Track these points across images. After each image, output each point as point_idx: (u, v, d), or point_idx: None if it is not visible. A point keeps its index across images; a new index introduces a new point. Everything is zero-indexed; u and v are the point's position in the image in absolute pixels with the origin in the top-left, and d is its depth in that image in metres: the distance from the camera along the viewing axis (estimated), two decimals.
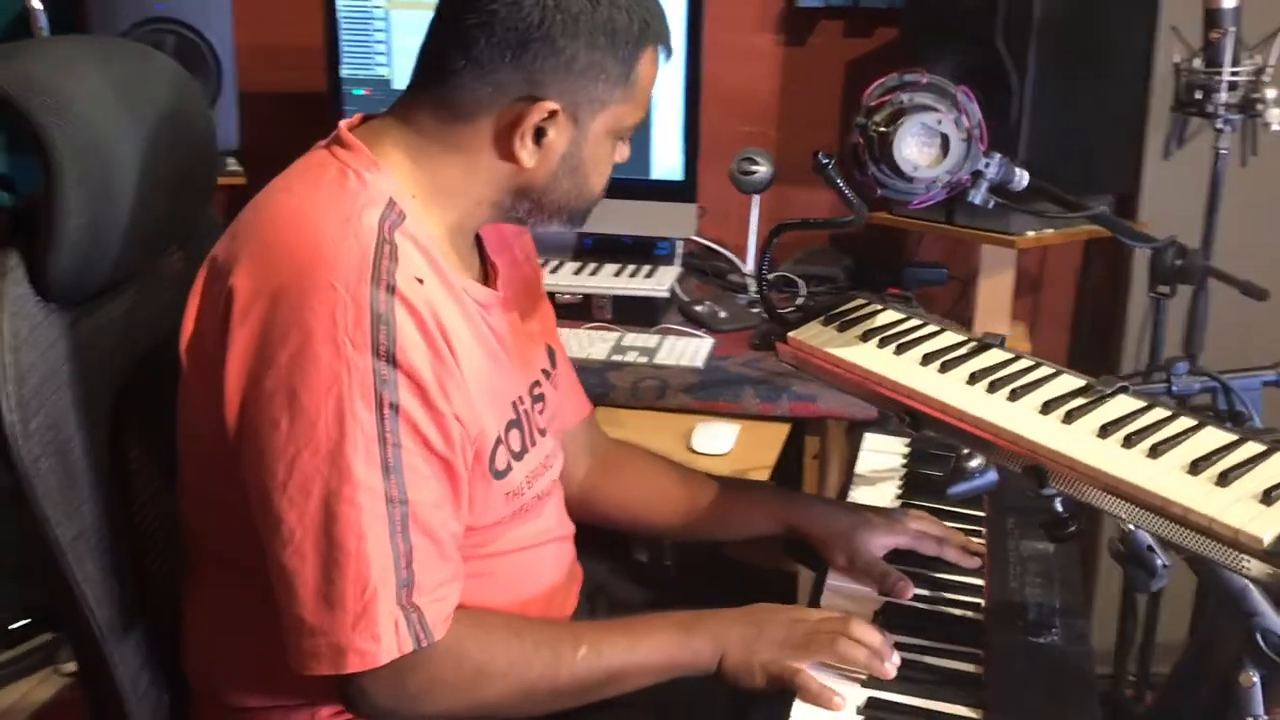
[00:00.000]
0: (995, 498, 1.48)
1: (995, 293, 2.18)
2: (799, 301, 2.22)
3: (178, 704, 1.21)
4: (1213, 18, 1.62)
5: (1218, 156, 1.72)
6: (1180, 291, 1.70)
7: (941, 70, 2.08)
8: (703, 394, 1.84)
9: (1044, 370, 1.12)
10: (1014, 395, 1.08)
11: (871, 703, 1.09)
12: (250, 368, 1.00)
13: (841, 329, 1.26)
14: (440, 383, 1.03)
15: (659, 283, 2.14)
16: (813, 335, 1.27)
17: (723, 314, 2.15)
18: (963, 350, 1.18)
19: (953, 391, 1.11)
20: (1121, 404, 1.05)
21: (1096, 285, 2.44)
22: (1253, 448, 0.95)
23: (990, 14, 1.94)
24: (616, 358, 1.95)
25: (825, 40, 2.44)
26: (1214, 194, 1.75)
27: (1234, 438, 0.97)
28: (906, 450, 1.66)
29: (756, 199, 2.30)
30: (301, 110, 2.36)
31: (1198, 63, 1.63)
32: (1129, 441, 0.99)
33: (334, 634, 0.99)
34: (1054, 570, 1.31)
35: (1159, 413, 1.02)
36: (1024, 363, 1.14)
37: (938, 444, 1.67)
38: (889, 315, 1.27)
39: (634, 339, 2.02)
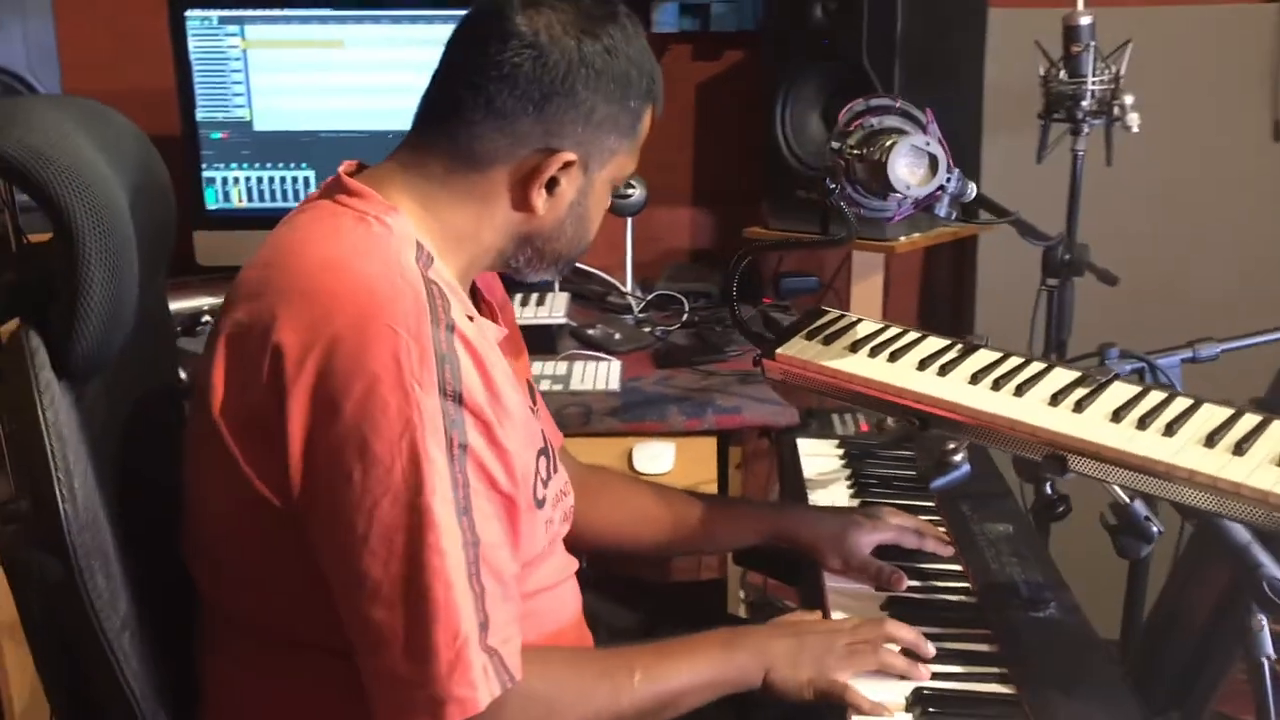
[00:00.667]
0: (921, 475, 1.60)
1: (867, 295, 2.32)
2: (684, 318, 2.28)
3: None
4: (1072, 33, 1.79)
5: (1076, 159, 1.89)
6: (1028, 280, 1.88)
7: (806, 90, 2.22)
8: (628, 416, 1.87)
9: (1036, 366, 1.22)
10: (1019, 390, 1.18)
11: (917, 696, 1.15)
12: (313, 422, 0.97)
13: (827, 342, 1.33)
14: (499, 419, 1.03)
15: (554, 310, 2.16)
16: (800, 350, 1.33)
17: (617, 336, 2.19)
18: (953, 353, 1.27)
19: (960, 391, 1.20)
20: (1120, 390, 1.16)
21: (939, 283, 2.63)
22: (1251, 419, 1.08)
23: (855, 34, 2.06)
24: None
25: (677, 64, 2.53)
26: (1074, 193, 1.92)
27: (1232, 411, 1.09)
28: (840, 452, 1.75)
29: (630, 221, 2.36)
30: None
31: (1063, 74, 1.80)
32: (1143, 423, 1.09)
33: (430, 685, 0.97)
34: (1024, 549, 1.42)
35: (1157, 395, 1.14)
36: (1015, 360, 1.23)
37: (863, 443, 1.78)
38: (866, 326, 1.35)
39: (542, 367, 2.03)
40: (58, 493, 0.92)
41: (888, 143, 1.20)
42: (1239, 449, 1.04)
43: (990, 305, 2.52)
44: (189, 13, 2.14)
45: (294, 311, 1.00)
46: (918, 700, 1.14)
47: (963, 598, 1.34)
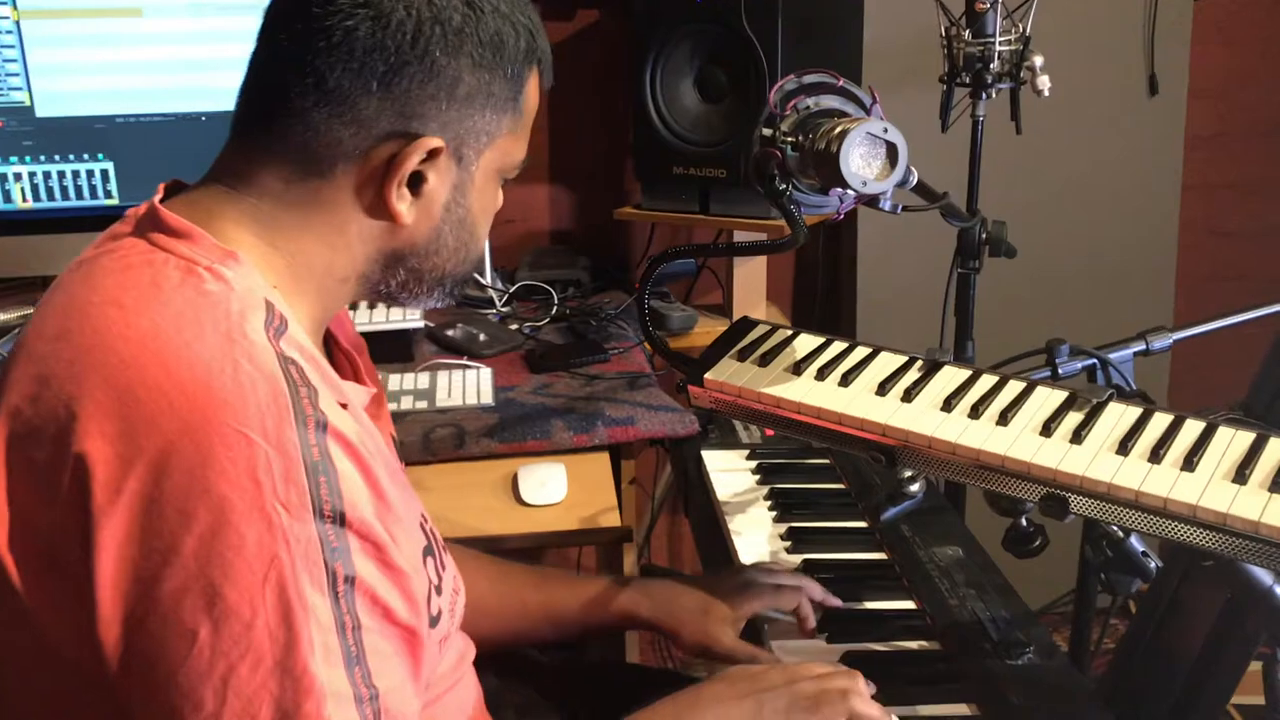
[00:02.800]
0: (862, 498, 1.44)
1: (751, 277, 2.15)
2: (554, 311, 2.06)
3: None
4: None
5: (977, 125, 1.74)
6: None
7: (678, 54, 2.01)
8: (506, 435, 1.64)
9: (1016, 385, 1.05)
10: (1003, 418, 1.01)
11: None
12: (137, 564, 0.72)
13: (763, 363, 1.13)
14: (393, 535, 0.80)
15: (409, 314, 1.90)
16: (734, 374, 1.13)
17: (481, 336, 1.95)
18: (915, 373, 1.09)
19: (932, 421, 1.02)
20: (1118, 412, 1.00)
21: (811, 262, 2.48)
22: (1245, 437, 0.93)
23: None
24: (390, 405, 1.70)
25: None
26: (974, 163, 1.78)
27: (1254, 436, 0.94)
28: (751, 465, 1.56)
29: None
30: None
31: (968, 34, 1.64)
32: (1156, 455, 0.94)
33: None
34: (980, 577, 1.27)
35: (1163, 419, 0.98)
36: (989, 379, 1.06)
37: (773, 453, 1.60)
38: (807, 342, 1.16)
39: (400, 381, 1.78)
40: None
41: (836, 130, 1.00)
42: (1277, 485, 0.89)
43: (871, 283, 2.37)
44: None
45: (103, 411, 0.74)
46: None
47: (924, 644, 1.18)
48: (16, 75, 1.83)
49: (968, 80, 1.66)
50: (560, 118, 2.32)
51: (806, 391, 1.08)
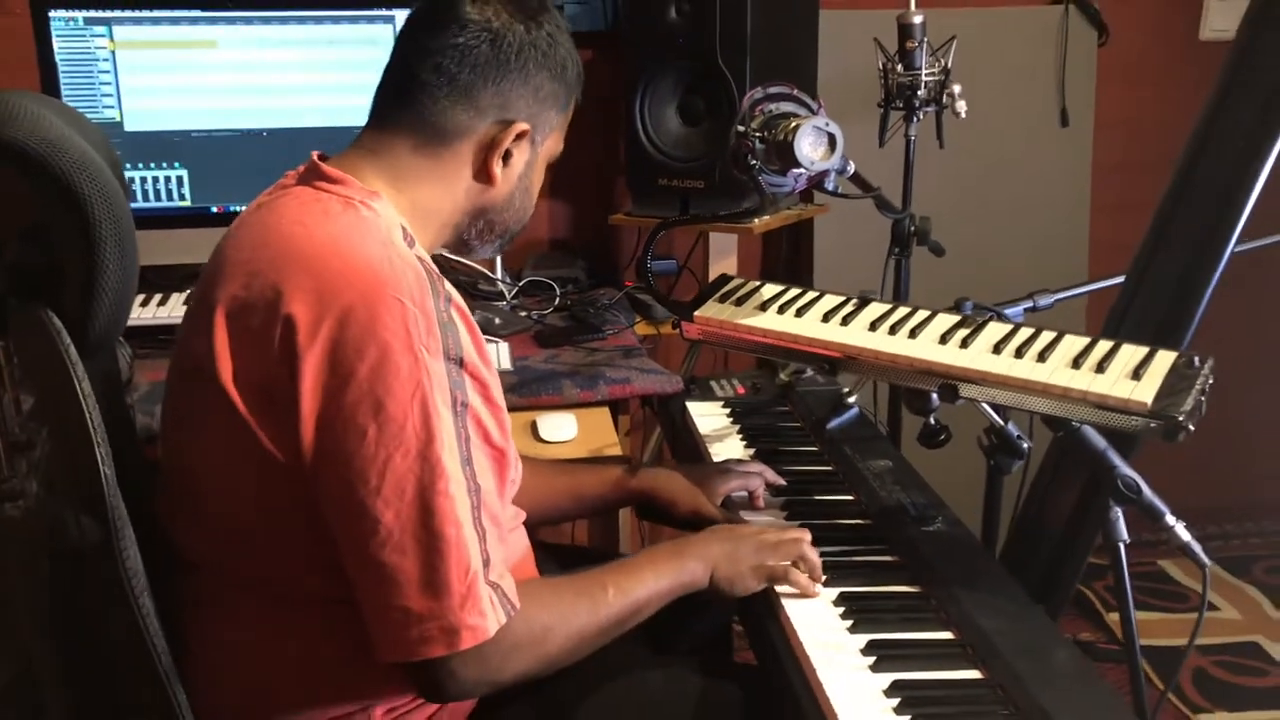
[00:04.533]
0: (816, 430, 1.79)
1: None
2: (556, 302, 2.42)
3: None
4: (906, 30, 2.02)
5: (910, 143, 2.13)
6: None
7: (663, 85, 2.39)
8: (525, 391, 1.99)
9: (922, 313, 1.42)
10: (913, 334, 1.38)
11: (842, 596, 1.33)
12: (327, 386, 1.07)
13: (739, 303, 1.50)
14: (490, 381, 1.16)
15: None
16: (716, 312, 1.49)
17: (497, 320, 2.31)
18: (849, 307, 1.46)
19: (864, 338, 1.39)
20: (995, 329, 1.37)
21: (775, 259, 2.86)
22: (1104, 345, 1.31)
23: (710, 34, 2.25)
24: None
25: None
26: (908, 173, 2.16)
27: (1088, 340, 1.32)
28: (726, 411, 1.92)
29: None
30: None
31: (900, 67, 2.03)
32: (1019, 353, 1.31)
33: (445, 616, 1.08)
34: (905, 478, 1.62)
35: (1026, 330, 1.35)
36: (903, 310, 1.43)
37: (746, 402, 1.96)
38: (770, 289, 1.53)
39: None
40: (99, 458, 0.99)
41: (792, 124, 1.38)
42: (1100, 368, 1.26)
43: (824, 280, 2.75)
44: (53, 13, 2.13)
45: (301, 286, 1.09)
46: (842, 600, 1.32)
47: (859, 520, 1.53)
48: (110, 95, 2.19)
49: (900, 105, 2.04)
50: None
51: (772, 321, 1.45)
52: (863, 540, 1.47)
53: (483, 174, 1.25)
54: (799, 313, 1.45)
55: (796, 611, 1.31)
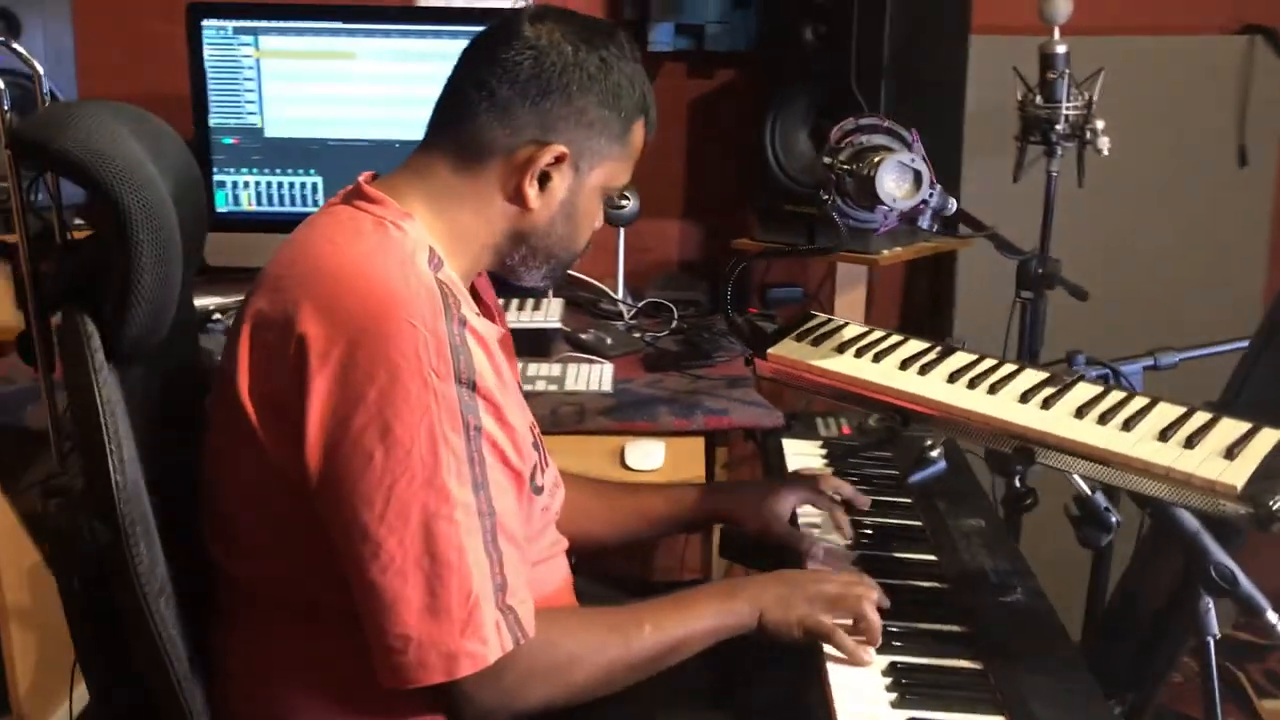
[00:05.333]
0: (920, 487, 1.69)
1: (850, 307, 2.42)
2: (673, 325, 2.38)
3: None
4: (1048, 61, 1.89)
5: (1051, 179, 1.99)
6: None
7: (796, 108, 2.32)
8: (619, 415, 1.96)
9: (1009, 367, 1.32)
10: (993, 389, 1.28)
11: (893, 666, 1.24)
12: (336, 408, 1.06)
13: (816, 343, 1.42)
14: (506, 403, 1.13)
15: (550, 315, 2.25)
16: (791, 350, 1.42)
17: (609, 340, 2.28)
18: (932, 355, 1.36)
19: (940, 390, 1.30)
20: (1084, 390, 1.26)
21: (919, 295, 2.74)
22: (1201, 417, 1.18)
23: (844, 57, 2.17)
24: (527, 387, 2.04)
25: (671, 81, 2.62)
26: (1048, 212, 2.02)
27: (1184, 410, 1.19)
28: (823, 451, 1.84)
29: (622, 231, 2.45)
30: None
31: (1039, 99, 1.90)
32: (1103, 419, 1.19)
33: (444, 643, 1.06)
34: (994, 541, 1.51)
35: (1117, 394, 1.24)
36: (989, 362, 1.33)
37: (846, 444, 1.87)
38: (853, 329, 1.45)
39: (538, 369, 2.12)
40: (110, 465, 1.01)
41: (876, 159, 1.30)
42: (1189, 443, 1.14)
43: (967, 318, 2.62)
44: (205, 22, 2.22)
45: (318, 305, 1.08)
46: (891, 667, 1.23)
47: (934, 584, 1.43)
48: (253, 103, 2.27)
49: (1037, 139, 1.92)
50: (696, 162, 2.66)
51: (846, 365, 1.37)
52: (932, 605, 1.38)
53: (517, 196, 1.21)
54: (876, 358, 1.37)
55: (840, 675, 1.23)
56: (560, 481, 1.39)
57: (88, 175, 1.03)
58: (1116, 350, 2.55)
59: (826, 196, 1.37)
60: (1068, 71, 1.88)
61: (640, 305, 2.46)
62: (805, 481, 1.55)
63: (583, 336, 2.29)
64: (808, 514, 1.57)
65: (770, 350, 1.43)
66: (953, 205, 1.45)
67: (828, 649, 1.26)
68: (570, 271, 2.52)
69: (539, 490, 1.26)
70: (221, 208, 2.30)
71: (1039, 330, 2.07)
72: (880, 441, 1.88)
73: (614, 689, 1.20)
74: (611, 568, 2.01)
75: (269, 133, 2.28)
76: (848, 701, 1.18)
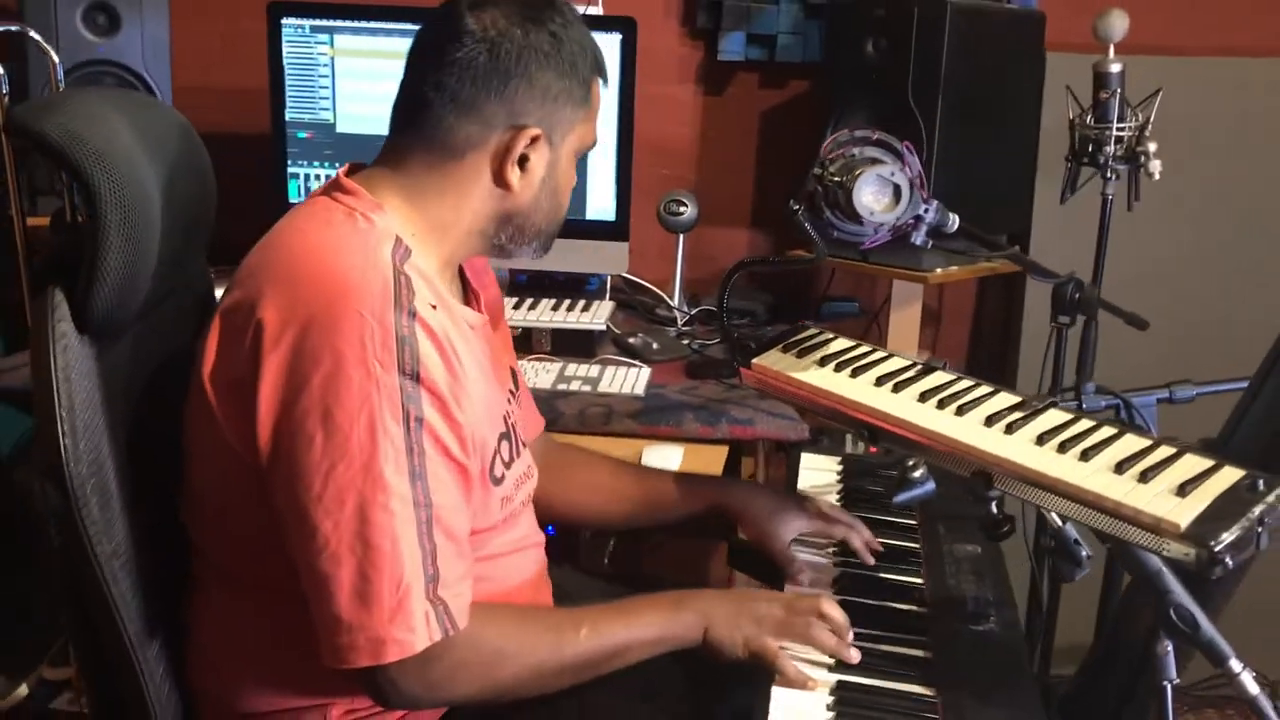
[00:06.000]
0: (926, 507, 1.64)
1: (904, 324, 2.37)
2: (736, 363, 2.37)
3: (190, 712, 1.28)
4: (1101, 79, 1.83)
5: (1105, 202, 1.92)
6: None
7: (855, 121, 2.29)
8: (646, 419, 1.96)
9: (984, 389, 1.28)
10: (960, 410, 1.24)
11: (841, 685, 1.22)
12: (283, 391, 1.10)
13: (800, 355, 1.41)
14: (455, 397, 1.15)
15: (596, 316, 2.27)
16: (774, 361, 1.41)
17: (655, 345, 2.29)
18: (911, 373, 1.33)
19: (907, 408, 1.27)
20: (1052, 416, 1.21)
21: (990, 317, 2.66)
22: (1165, 450, 1.13)
23: (902, 71, 2.13)
24: (561, 387, 2.07)
25: (742, 91, 2.62)
26: (1102, 235, 1.96)
27: (1149, 442, 1.14)
28: (839, 468, 1.82)
29: (681, 238, 2.46)
30: (242, 151, 2.43)
31: (1090, 119, 1.84)
32: (1063, 448, 1.15)
33: (372, 628, 1.08)
34: (984, 569, 1.47)
35: (1085, 423, 1.19)
36: (965, 383, 1.30)
37: (867, 462, 1.84)
38: (840, 343, 1.43)
39: (576, 369, 2.14)
40: (59, 427, 1.06)
41: (856, 171, 1.28)
42: (1144, 477, 1.09)
43: (1035, 342, 2.53)
44: (285, 20, 2.32)
45: (277, 292, 1.13)
46: (839, 687, 1.21)
47: (913, 607, 1.40)
48: (326, 99, 2.36)
49: (1086, 160, 1.85)
50: (765, 172, 2.65)
51: (821, 378, 1.35)
52: (904, 629, 1.35)
53: (501, 181, 1.24)
54: (854, 373, 1.35)
55: (783, 693, 1.21)
56: (532, 474, 1.40)
57: (62, 156, 1.09)
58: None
59: (796, 206, 1.35)
60: (1120, 91, 1.82)
61: (693, 312, 2.46)
62: (819, 509, 1.52)
63: (630, 340, 2.30)
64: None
65: (755, 360, 1.42)
66: (954, 222, 1.41)
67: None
68: (629, 276, 2.57)
69: (498, 480, 1.27)
70: (294, 199, 2.39)
71: (1087, 360, 2.00)
72: (903, 460, 1.84)
73: (545, 690, 1.21)
74: (600, 565, 2.04)
75: (340, 128, 2.36)
76: (781, 714, 1.16)
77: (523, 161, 1.23)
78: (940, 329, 2.67)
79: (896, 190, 1.28)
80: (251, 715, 1.24)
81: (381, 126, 2.32)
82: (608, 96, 1.36)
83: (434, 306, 1.17)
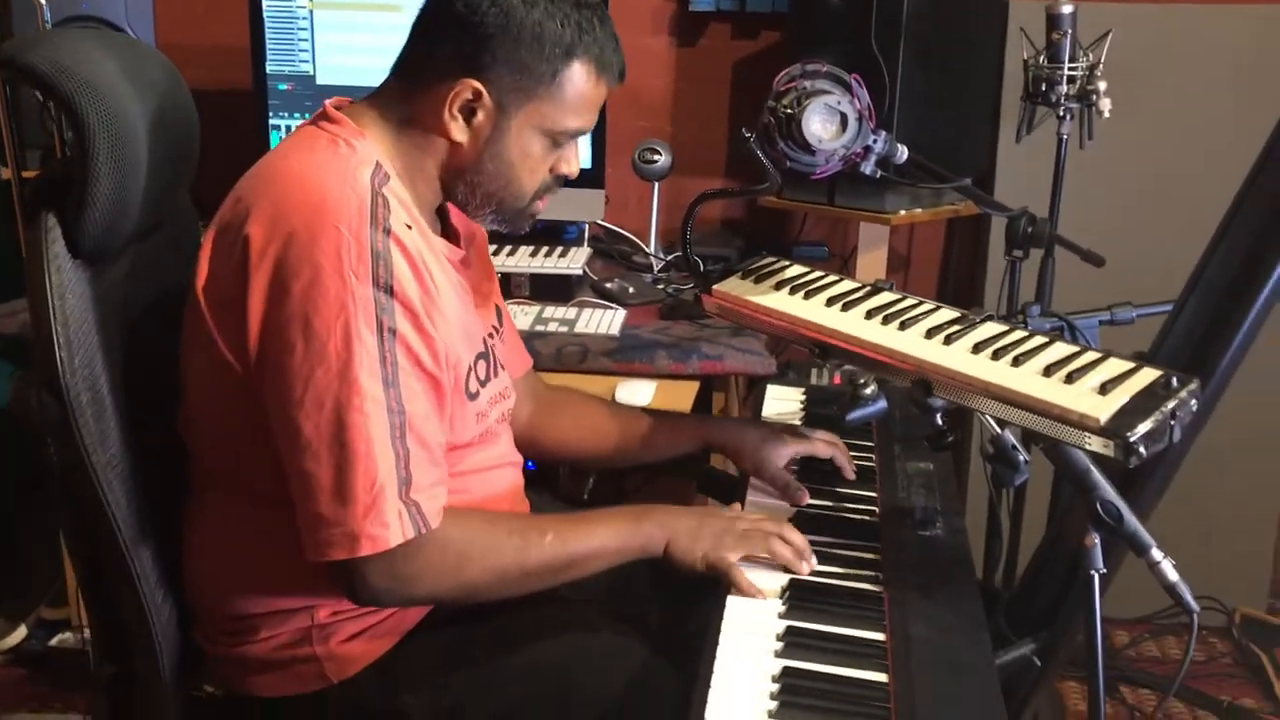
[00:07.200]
0: (882, 428, 1.73)
1: (871, 266, 2.45)
2: (697, 290, 2.44)
3: (185, 617, 1.36)
4: (1053, 21, 1.90)
5: (1061, 141, 2.00)
6: (1033, 259, 1.98)
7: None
8: (620, 357, 2.04)
9: (926, 306, 1.36)
10: (903, 325, 1.32)
11: (794, 582, 1.30)
12: (268, 302, 1.17)
13: (757, 281, 1.48)
14: (428, 312, 1.22)
15: (573, 262, 2.34)
16: (733, 287, 1.49)
17: (631, 289, 2.36)
18: (859, 294, 1.41)
19: (854, 325, 1.34)
20: (989, 328, 1.29)
21: (958, 262, 2.74)
22: (1091, 355, 1.21)
23: (865, 18, 2.20)
24: (539, 328, 2.14)
25: (714, 42, 2.68)
26: (1058, 174, 2.03)
27: (1076, 349, 1.22)
28: (803, 398, 1.89)
29: (656, 187, 2.52)
30: (224, 105, 2.49)
31: (1043, 59, 1.91)
32: (996, 355, 1.23)
33: (348, 524, 1.16)
34: (934, 482, 1.55)
35: (1018, 333, 1.27)
36: (909, 301, 1.38)
37: (829, 392, 1.92)
38: (795, 270, 1.50)
39: (553, 311, 2.21)
40: (55, 341, 1.14)
41: (806, 102, 1.35)
42: (1070, 378, 1.17)
43: (1000, 286, 2.61)
44: None
45: (263, 211, 1.20)
46: (791, 584, 1.29)
47: (865, 518, 1.48)
48: (305, 51, 2.42)
49: (1040, 100, 1.92)
50: (739, 123, 2.71)
51: (778, 301, 1.42)
52: (856, 536, 1.43)
53: (440, 127, 1.28)
54: (808, 295, 1.42)
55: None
56: (509, 394, 1.47)
57: (49, 86, 1.16)
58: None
59: (749, 134, 1.42)
60: (1071, 32, 1.88)
61: (669, 259, 2.53)
62: (804, 434, 1.59)
63: (607, 285, 2.38)
64: None
65: (715, 287, 1.50)
66: (902, 153, 1.49)
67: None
68: (607, 224, 2.64)
69: (473, 396, 1.34)
70: None
71: (1046, 293, 2.09)
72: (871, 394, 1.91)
73: (509, 592, 1.28)
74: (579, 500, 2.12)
75: (320, 80, 2.43)
76: (741, 609, 1.24)
77: (470, 115, 1.28)
78: (909, 273, 2.75)
79: (844, 119, 1.35)
80: (243, 617, 1.32)
81: (361, 77, 2.43)
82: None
83: (409, 226, 1.24)
